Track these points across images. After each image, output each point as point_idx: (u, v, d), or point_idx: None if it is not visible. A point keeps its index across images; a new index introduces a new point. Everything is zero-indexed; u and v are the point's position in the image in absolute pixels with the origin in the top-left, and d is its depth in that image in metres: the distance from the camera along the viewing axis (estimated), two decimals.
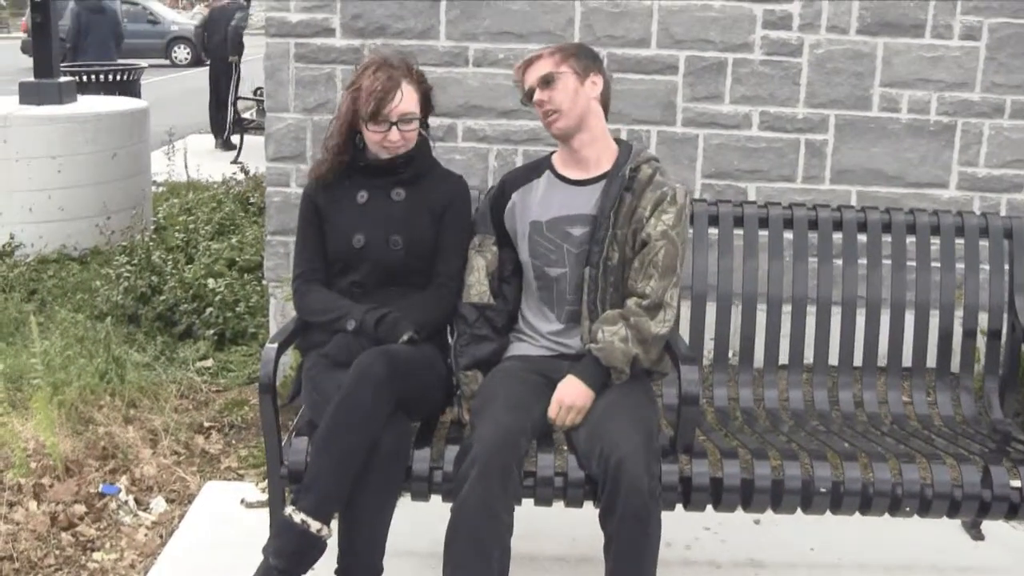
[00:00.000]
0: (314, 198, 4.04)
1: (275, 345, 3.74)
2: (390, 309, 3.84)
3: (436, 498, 3.66)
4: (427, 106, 4.04)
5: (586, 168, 3.93)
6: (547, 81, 3.85)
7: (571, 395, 3.65)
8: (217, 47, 16.23)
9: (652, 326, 3.70)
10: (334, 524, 3.52)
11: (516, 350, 4.00)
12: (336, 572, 3.64)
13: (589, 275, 3.81)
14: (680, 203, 3.80)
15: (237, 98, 15.54)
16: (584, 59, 3.92)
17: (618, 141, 4.00)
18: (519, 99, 4.01)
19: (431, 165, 4.13)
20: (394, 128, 3.89)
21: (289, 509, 3.45)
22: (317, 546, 3.44)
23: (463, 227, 4.09)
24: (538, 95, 3.86)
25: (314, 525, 3.41)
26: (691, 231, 4.17)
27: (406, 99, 3.88)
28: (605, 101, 3.97)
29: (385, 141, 3.91)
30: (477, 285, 4.00)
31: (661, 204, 3.78)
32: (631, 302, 3.74)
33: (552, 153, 4.08)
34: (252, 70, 15.16)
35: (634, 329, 3.68)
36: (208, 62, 16.57)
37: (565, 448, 3.72)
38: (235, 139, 15.25)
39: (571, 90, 3.84)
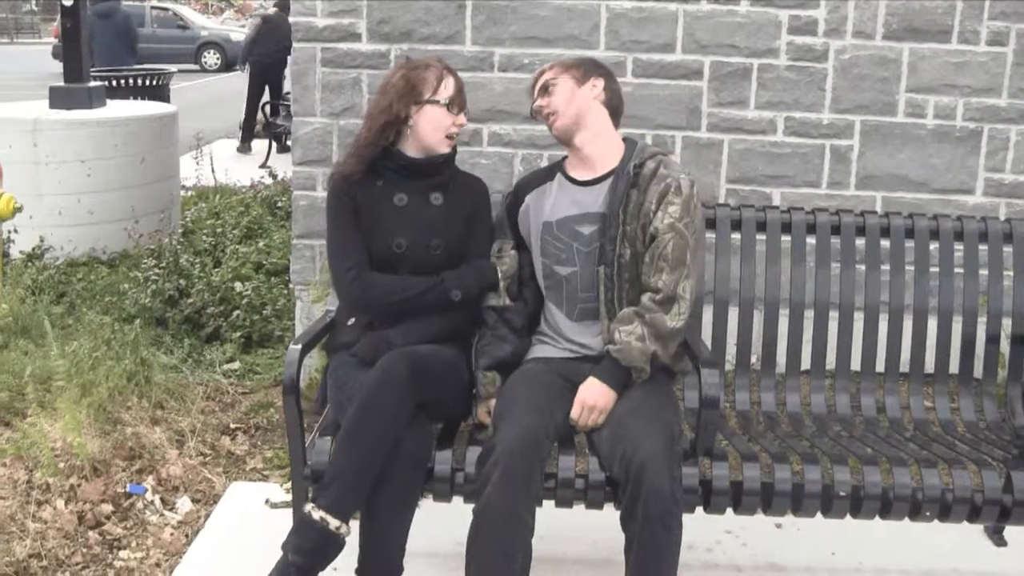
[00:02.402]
0: (351, 195, 4.02)
1: (299, 346, 3.76)
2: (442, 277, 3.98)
3: (458, 499, 3.68)
4: None
5: (592, 167, 3.99)
6: (545, 88, 4.03)
7: (593, 396, 3.68)
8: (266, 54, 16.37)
9: (667, 320, 3.71)
10: (354, 524, 3.53)
11: (538, 352, 4.03)
12: (356, 572, 3.67)
13: (604, 273, 3.85)
14: (686, 193, 3.82)
15: (265, 104, 15.64)
16: (584, 68, 4.08)
17: (626, 140, 4.07)
18: (530, 115, 4.16)
19: (457, 169, 4.19)
20: (462, 114, 4.05)
21: (309, 506, 3.47)
22: (335, 544, 3.45)
23: (489, 227, 4.18)
24: (538, 102, 4.05)
25: (333, 523, 3.43)
26: (702, 220, 4.08)
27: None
28: (612, 103, 4.08)
29: (454, 125, 4.04)
30: (493, 290, 4.08)
31: (666, 196, 3.81)
32: (645, 298, 3.76)
33: (565, 158, 4.15)
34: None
35: (650, 326, 3.70)
36: (247, 68, 16.60)
37: (586, 450, 3.73)
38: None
39: (567, 92, 3.99)
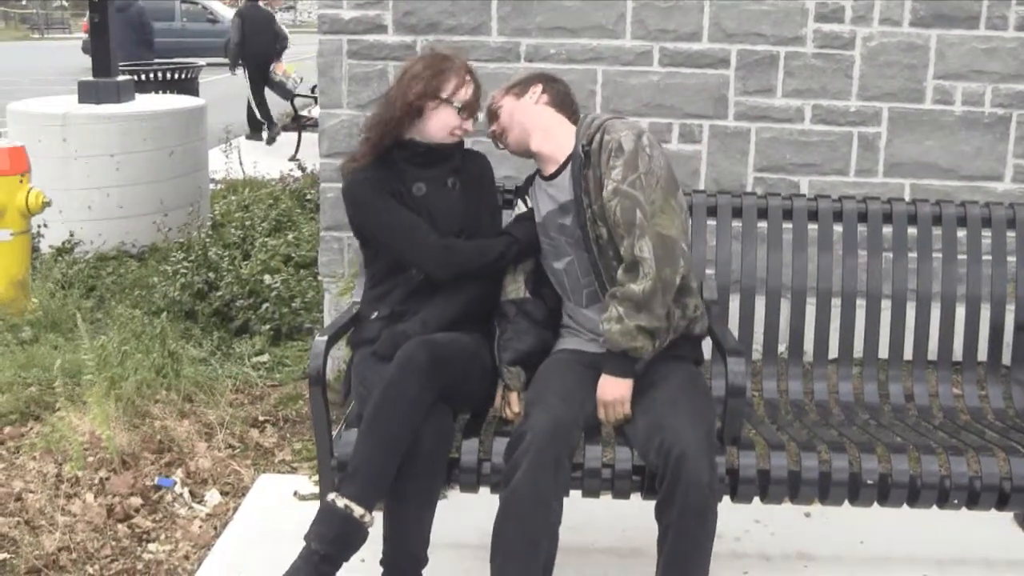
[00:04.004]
0: (373, 183, 4.01)
1: (324, 339, 3.76)
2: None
3: (484, 490, 3.68)
4: None
5: (555, 160, 4.01)
6: (492, 114, 4.17)
7: (607, 392, 3.67)
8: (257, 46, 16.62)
9: (635, 287, 3.59)
10: (378, 515, 3.54)
11: (567, 344, 4.02)
12: (381, 563, 3.68)
13: (591, 260, 3.84)
14: (629, 149, 3.73)
15: (294, 95, 15.72)
16: (523, 82, 4.20)
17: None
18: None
19: (464, 149, 4.25)
20: (471, 120, 4.09)
21: (332, 495, 3.47)
22: (359, 532, 3.44)
23: (494, 202, 4.28)
24: (490, 129, 4.21)
25: (357, 510, 3.42)
26: (663, 163, 3.80)
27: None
28: (557, 100, 4.15)
29: (460, 128, 4.06)
30: (512, 283, 4.10)
31: (608, 162, 3.76)
32: (618, 272, 3.72)
33: None
34: (307, 68, 15.31)
35: (622, 302, 3.62)
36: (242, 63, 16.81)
37: (613, 440, 3.73)
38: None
39: (509, 109, 4.11)
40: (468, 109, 4.05)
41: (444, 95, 3.98)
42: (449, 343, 3.75)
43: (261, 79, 16.56)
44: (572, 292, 3.99)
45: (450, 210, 4.02)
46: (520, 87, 4.14)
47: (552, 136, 4.03)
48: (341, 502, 3.44)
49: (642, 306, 3.59)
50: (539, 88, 4.12)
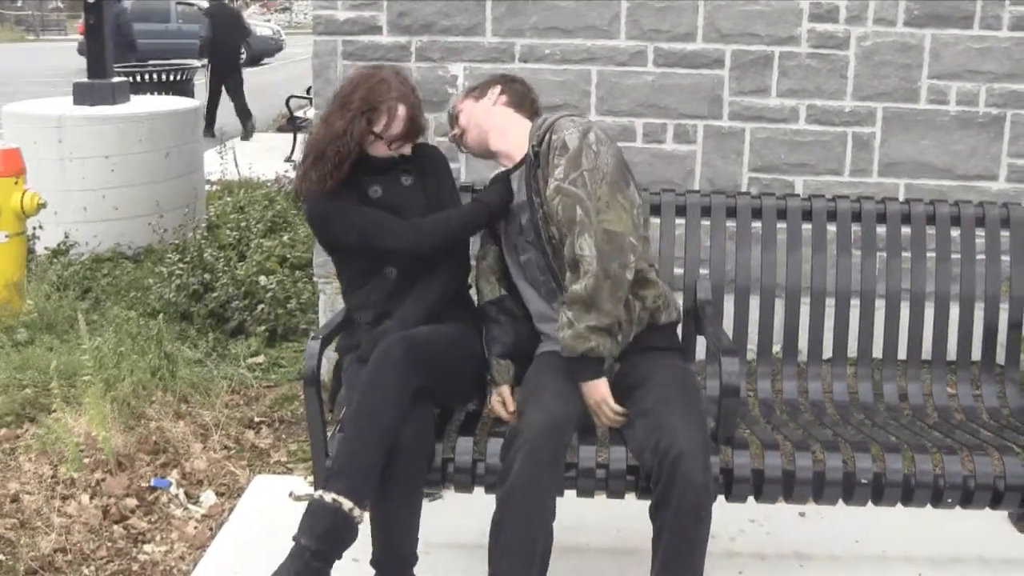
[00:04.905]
0: (331, 196, 3.95)
1: (318, 340, 3.76)
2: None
3: (479, 490, 3.68)
4: None
5: (512, 159, 4.03)
6: (452, 119, 4.22)
7: (587, 396, 3.68)
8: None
9: (577, 287, 3.56)
10: (366, 517, 3.52)
11: (545, 347, 3.99)
12: (371, 564, 3.68)
13: (546, 261, 3.83)
14: (573, 146, 3.68)
15: (290, 97, 15.74)
16: (481, 85, 4.23)
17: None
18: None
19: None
20: (407, 144, 4.08)
21: (320, 491, 3.45)
22: (349, 526, 3.41)
23: (452, 186, 4.23)
24: (451, 133, 4.24)
25: (346, 504, 3.39)
26: (612, 156, 3.77)
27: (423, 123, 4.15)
28: (515, 100, 4.16)
29: (398, 150, 4.05)
30: (487, 287, 4.12)
31: (552, 161, 3.73)
32: (565, 279, 3.71)
33: None
34: (303, 69, 15.31)
35: (569, 305, 3.60)
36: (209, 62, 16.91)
37: (606, 440, 3.73)
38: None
39: (467, 112, 4.15)
40: (402, 139, 4.00)
41: (377, 130, 3.94)
42: (428, 334, 3.75)
43: (228, 74, 16.61)
44: (532, 285, 3.98)
45: (409, 205, 4.01)
46: (479, 90, 4.19)
47: (510, 135, 4.04)
48: (329, 496, 3.41)
49: (590, 305, 3.56)
50: (497, 89, 4.14)
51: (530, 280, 3.98)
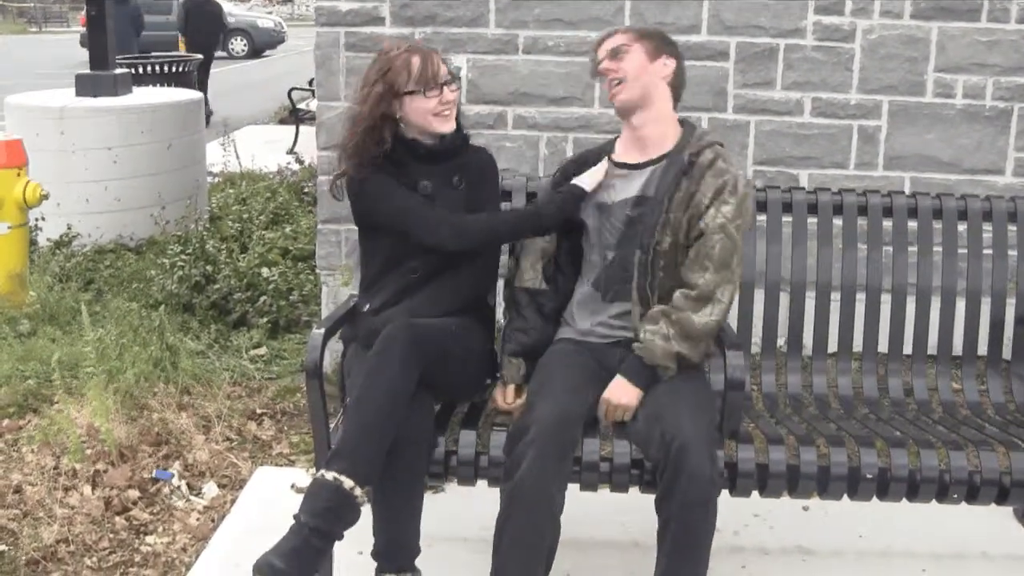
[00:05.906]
0: (383, 174, 3.91)
1: (321, 331, 3.74)
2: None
3: (482, 483, 3.66)
4: None
5: (645, 149, 3.86)
6: (616, 52, 3.84)
7: (618, 395, 3.62)
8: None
9: (696, 319, 3.59)
10: (368, 509, 3.50)
11: (565, 333, 3.97)
12: (373, 555, 3.66)
13: (639, 259, 3.75)
14: (741, 193, 3.70)
15: (292, 89, 15.71)
16: (657, 41, 3.89)
17: (683, 123, 3.94)
18: (590, 74, 4.02)
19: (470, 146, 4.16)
20: (446, 89, 3.89)
21: (321, 471, 3.41)
22: (350, 505, 3.35)
23: (495, 191, 4.15)
24: (605, 64, 3.86)
25: (347, 482, 3.34)
26: (754, 219, 4.02)
27: (439, 61, 3.93)
28: (676, 86, 3.91)
29: (442, 103, 3.88)
30: (530, 270, 4.01)
31: (721, 194, 3.68)
32: (679, 294, 3.65)
33: (616, 138, 4.03)
34: (305, 60, 15.31)
35: (676, 325, 3.60)
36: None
37: (611, 433, 3.71)
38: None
39: (638, 64, 3.81)
40: (426, 82, 3.87)
41: (404, 89, 3.85)
42: (428, 324, 3.72)
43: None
44: (605, 282, 3.87)
45: (455, 208, 3.95)
46: (653, 45, 3.87)
47: (659, 124, 3.87)
48: (330, 475, 3.36)
49: (695, 339, 3.62)
50: (672, 65, 3.88)
51: (605, 276, 3.87)
